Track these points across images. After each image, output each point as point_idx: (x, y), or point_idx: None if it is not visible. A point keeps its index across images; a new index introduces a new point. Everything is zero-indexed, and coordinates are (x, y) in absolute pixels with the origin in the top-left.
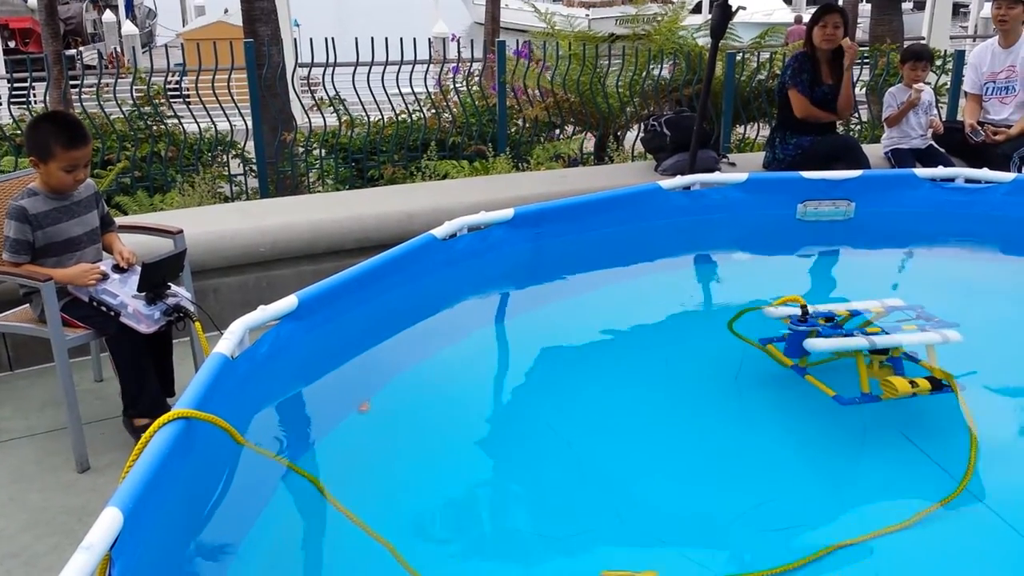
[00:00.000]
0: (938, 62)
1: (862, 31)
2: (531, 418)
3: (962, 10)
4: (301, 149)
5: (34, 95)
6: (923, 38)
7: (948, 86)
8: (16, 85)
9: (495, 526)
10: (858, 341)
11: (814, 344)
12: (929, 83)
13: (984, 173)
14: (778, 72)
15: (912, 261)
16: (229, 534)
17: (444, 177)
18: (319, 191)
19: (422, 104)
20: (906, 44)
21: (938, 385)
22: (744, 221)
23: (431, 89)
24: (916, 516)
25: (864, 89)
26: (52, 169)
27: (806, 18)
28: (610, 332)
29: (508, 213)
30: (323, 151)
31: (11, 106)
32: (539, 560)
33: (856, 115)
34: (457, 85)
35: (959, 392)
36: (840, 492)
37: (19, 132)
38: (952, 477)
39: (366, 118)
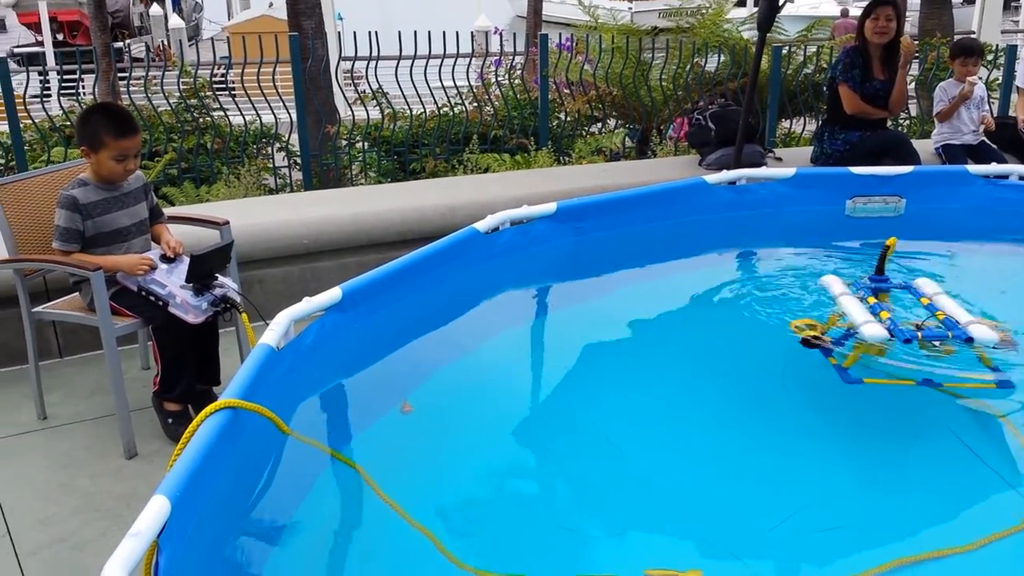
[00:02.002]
0: (989, 57)
1: (911, 24)
2: (573, 414)
3: (1013, 4)
4: (344, 142)
5: (83, 87)
6: (973, 32)
7: (999, 81)
8: (65, 77)
9: (537, 521)
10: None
11: (825, 281)
12: (980, 78)
13: None
14: (824, 66)
15: (963, 259)
16: (274, 522)
17: (485, 170)
18: (362, 184)
19: (464, 98)
20: (956, 38)
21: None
22: (791, 217)
23: (473, 83)
24: (985, 539)
25: (913, 84)
26: (103, 159)
27: (852, 11)
28: (654, 329)
29: (551, 207)
30: (366, 144)
31: (61, 98)
32: (581, 556)
33: (905, 110)
34: (499, 78)
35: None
36: (891, 502)
37: (69, 123)
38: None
39: (408, 111)
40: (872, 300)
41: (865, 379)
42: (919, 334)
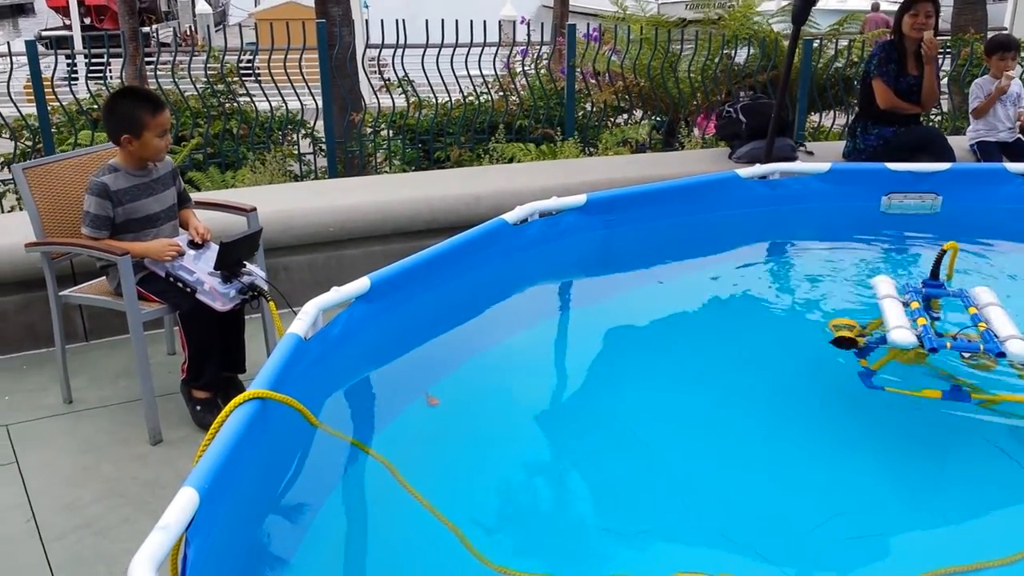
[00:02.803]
0: (1023, 52)
1: (943, 20)
2: (602, 410)
3: None
4: (369, 130)
5: (110, 71)
6: (1006, 28)
7: None
8: (93, 61)
9: (563, 518)
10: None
11: (875, 281)
12: (1015, 75)
13: None
14: (856, 60)
15: (1000, 259)
16: (301, 513)
17: (511, 160)
18: (386, 172)
19: (490, 87)
20: (991, 34)
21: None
22: (826, 213)
23: (499, 72)
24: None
25: (946, 80)
26: (147, 139)
27: (884, 6)
28: (684, 324)
29: (580, 199)
30: (391, 132)
31: (88, 81)
32: (609, 556)
33: (937, 106)
34: (525, 68)
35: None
36: (927, 511)
37: (96, 107)
38: None
39: (434, 100)
40: (916, 305)
41: (887, 388)
42: (948, 344)
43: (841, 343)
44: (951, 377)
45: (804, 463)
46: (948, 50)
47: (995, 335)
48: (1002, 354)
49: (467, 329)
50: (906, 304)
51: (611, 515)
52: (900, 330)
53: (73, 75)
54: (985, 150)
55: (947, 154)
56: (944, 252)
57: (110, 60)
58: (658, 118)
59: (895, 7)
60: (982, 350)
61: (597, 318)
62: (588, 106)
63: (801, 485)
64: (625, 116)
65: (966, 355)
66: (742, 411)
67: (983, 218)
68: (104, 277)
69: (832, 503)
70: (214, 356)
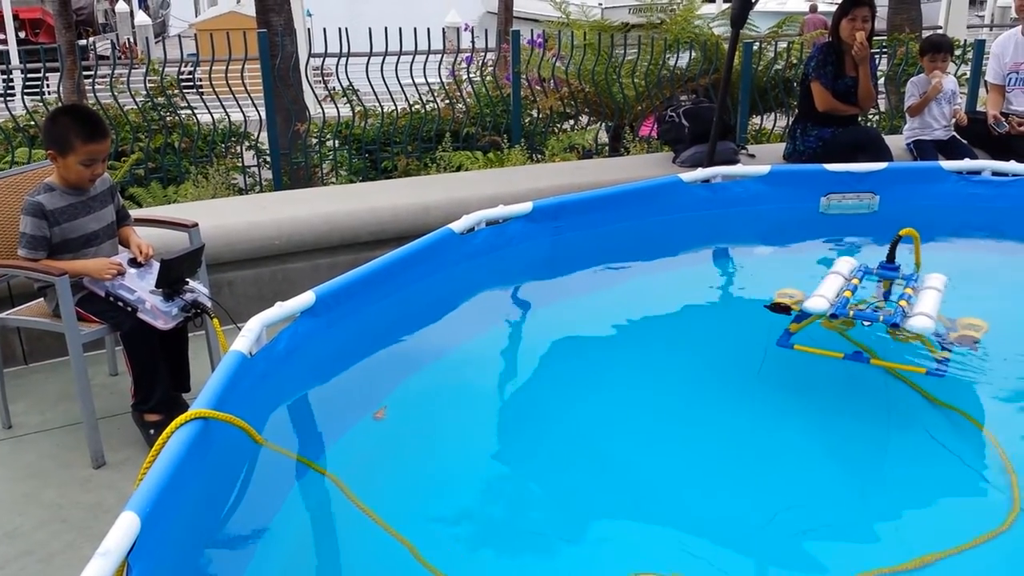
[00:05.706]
0: (957, 52)
1: (879, 18)
2: (551, 417)
3: None
4: (314, 140)
5: (47, 86)
6: (940, 27)
7: (967, 76)
8: (29, 76)
9: (517, 526)
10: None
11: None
12: (949, 73)
13: (1012, 166)
14: (795, 62)
15: (938, 256)
16: (248, 534)
17: (458, 168)
18: (332, 182)
19: (436, 95)
20: (925, 34)
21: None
22: (766, 215)
23: (445, 79)
24: (975, 540)
25: (883, 79)
26: (70, 163)
27: (821, 7)
28: (632, 328)
29: (527, 207)
30: (336, 142)
31: (24, 97)
32: (562, 561)
33: (875, 106)
34: (471, 75)
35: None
36: (873, 504)
37: (33, 123)
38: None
39: (380, 109)
40: (856, 281)
41: (795, 345)
42: (851, 312)
43: (776, 308)
44: (859, 344)
45: (754, 461)
46: (884, 50)
47: (906, 311)
48: (896, 325)
49: (414, 341)
50: (849, 280)
51: (564, 522)
52: (816, 298)
53: (10, 91)
54: (921, 149)
55: (884, 154)
56: (900, 237)
57: (47, 75)
58: (605, 123)
59: (833, 8)
60: (881, 319)
61: (545, 326)
62: (534, 112)
63: (752, 483)
64: (571, 122)
65: (865, 323)
66: (691, 412)
67: (920, 216)
68: (42, 299)
69: (781, 500)
70: (161, 376)
